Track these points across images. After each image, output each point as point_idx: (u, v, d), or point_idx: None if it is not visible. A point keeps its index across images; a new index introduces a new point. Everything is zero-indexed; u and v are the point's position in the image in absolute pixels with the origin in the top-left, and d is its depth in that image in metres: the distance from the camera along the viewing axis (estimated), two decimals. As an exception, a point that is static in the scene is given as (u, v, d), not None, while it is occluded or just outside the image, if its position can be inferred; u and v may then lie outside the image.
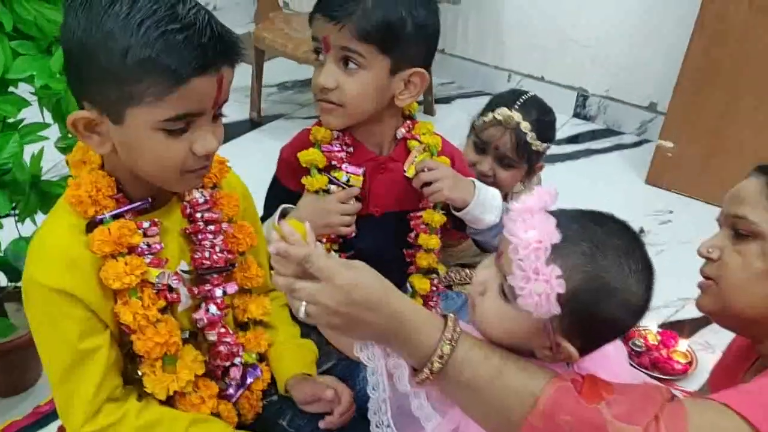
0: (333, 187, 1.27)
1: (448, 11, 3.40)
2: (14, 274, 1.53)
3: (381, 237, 1.34)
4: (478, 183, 1.33)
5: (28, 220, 1.56)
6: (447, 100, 3.45)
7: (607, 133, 3.27)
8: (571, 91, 3.36)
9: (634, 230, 0.86)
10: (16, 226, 1.56)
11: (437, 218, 1.33)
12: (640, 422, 0.74)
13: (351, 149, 1.29)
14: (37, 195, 1.54)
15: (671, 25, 2.94)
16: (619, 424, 0.74)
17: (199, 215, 1.06)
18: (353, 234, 1.30)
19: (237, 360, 1.12)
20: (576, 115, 3.35)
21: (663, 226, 2.62)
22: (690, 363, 1.95)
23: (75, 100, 0.97)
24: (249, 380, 1.15)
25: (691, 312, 2.19)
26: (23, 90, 1.43)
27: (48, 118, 1.52)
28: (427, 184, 1.29)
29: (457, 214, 1.32)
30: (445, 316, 0.86)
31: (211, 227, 1.08)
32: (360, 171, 1.28)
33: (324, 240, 1.28)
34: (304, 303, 0.83)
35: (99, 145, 0.94)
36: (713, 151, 2.69)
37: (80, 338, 0.96)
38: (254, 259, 1.17)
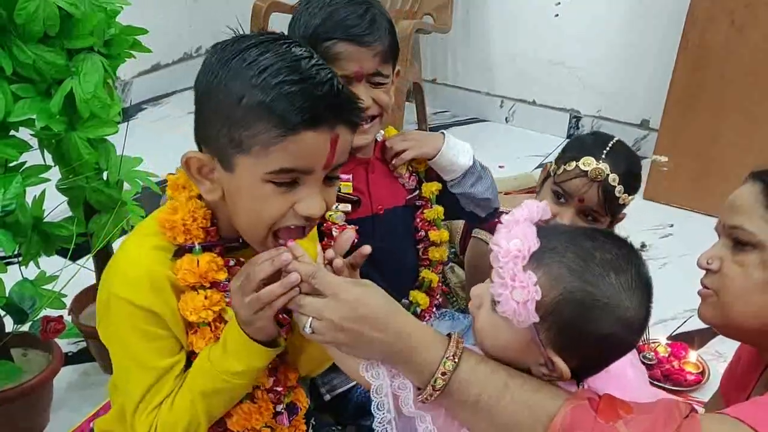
0: None
1: (438, 41, 3.45)
2: (20, 316, 1.52)
3: (390, 233, 1.38)
4: (446, 133, 1.41)
5: (31, 264, 1.56)
6: (442, 128, 3.48)
7: (602, 152, 3.29)
8: (564, 113, 3.39)
9: (631, 246, 0.85)
10: (20, 270, 1.56)
11: (439, 212, 1.42)
12: None
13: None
14: (39, 237, 1.55)
15: (657, 45, 2.99)
16: None
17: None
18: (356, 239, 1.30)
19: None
20: (570, 136, 3.38)
21: (664, 239, 2.62)
22: (702, 373, 1.94)
23: (196, 144, 0.96)
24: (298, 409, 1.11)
25: (699, 323, 2.17)
26: (23, 133, 1.45)
27: (49, 159, 1.53)
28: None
29: (433, 165, 1.39)
30: (449, 335, 0.85)
31: None
32: (348, 177, 1.30)
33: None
34: (310, 319, 0.83)
35: (209, 192, 0.93)
36: (708, 163, 2.71)
37: (164, 356, 0.96)
38: None
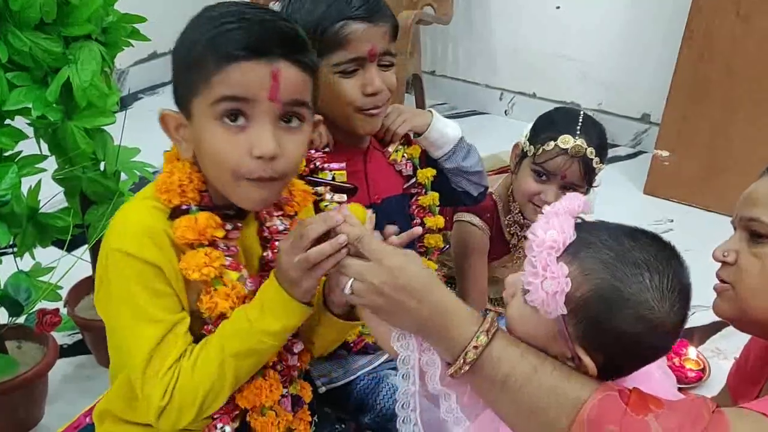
0: (319, 189, 1.26)
1: (438, 32, 3.43)
2: (15, 308, 1.50)
3: (388, 222, 1.35)
4: (431, 110, 1.42)
5: (27, 255, 1.54)
6: (440, 120, 3.46)
7: (602, 146, 3.28)
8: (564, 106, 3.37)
9: (672, 249, 0.84)
10: (15, 261, 1.54)
11: (434, 198, 1.41)
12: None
13: (327, 148, 1.28)
14: (35, 228, 1.52)
15: (660, 38, 2.97)
16: None
17: (277, 242, 1.02)
18: None
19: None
20: (570, 129, 3.36)
21: (664, 235, 2.58)
22: (703, 370, 1.93)
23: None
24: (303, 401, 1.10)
25: (700, 319, 2.16)
26: (19, 122, 1.43)
27: (45, 149, 1.51)
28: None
29: (423, 140, 1.38)
30: (485, 313, 0.86)
31: None
32: (342, 165, 1.28)
33: None
34: (351, 280, 0.86)
35: (185, 151, 0.96)
36: (710, 159, 2.70)
37: (171, 312, 0.94)
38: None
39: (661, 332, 0.80)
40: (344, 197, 1.27)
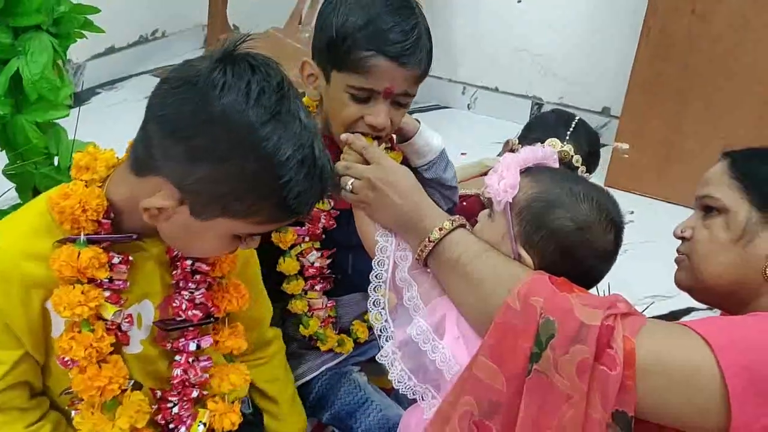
0: None
1: (400, 27, 3.41)
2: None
3: None
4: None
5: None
6: (404, 115, 3.45)
7: (564, 139, 3.32)
8: (526, 100, 3.40)
9: (613, 198, 0.99)
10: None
11: None
12: (602, 308, 0.84)
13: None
14: (-14, 225, 1.48)
15: (620, 33, 3.01)
16: (584, 308, 0.84)
17: (188, 261, 0.99)
18: (334, 225, 1.27)
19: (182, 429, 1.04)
20: (532, 123, 3.40)
21: (626, 226, 2.64)
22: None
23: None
24: None
25: (660, 309, 2.20)
26: (-33, 116, 1.38)
27: (-5, 144, 1.47)
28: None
29: (408, 147, 1.32)
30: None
31: (197, 276, 1.01)
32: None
33: (307, 238, 1.24)
34: (352, 179, 1.03)
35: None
36: (667, 152, 2.75)
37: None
38: (236, 324, 1.09)
39: (591, 242, 0.93)
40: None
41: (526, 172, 0.98)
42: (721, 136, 2.59)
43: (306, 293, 1.26)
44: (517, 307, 0.87)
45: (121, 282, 0.94)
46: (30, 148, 1.43)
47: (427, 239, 0.97)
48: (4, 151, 1.47)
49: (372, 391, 1.31)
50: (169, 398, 1.02)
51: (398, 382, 0.97)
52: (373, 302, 1.02)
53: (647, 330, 0.84)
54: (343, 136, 1.07)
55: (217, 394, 1.06)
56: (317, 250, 1.25)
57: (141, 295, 0.99)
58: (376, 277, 1.01)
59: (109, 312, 0.92)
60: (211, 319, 1.04)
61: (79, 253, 0.89)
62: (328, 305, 1.29)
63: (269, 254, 1.20)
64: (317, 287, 1.26)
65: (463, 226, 0.99)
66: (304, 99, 1.21)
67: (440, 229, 0.97)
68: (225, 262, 1.03)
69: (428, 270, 1.00)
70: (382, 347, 0.99)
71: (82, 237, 0.90)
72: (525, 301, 0.87)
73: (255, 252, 1.15)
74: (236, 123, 0.82)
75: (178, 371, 1.01)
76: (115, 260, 0.93)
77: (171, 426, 1.03)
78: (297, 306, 1.26)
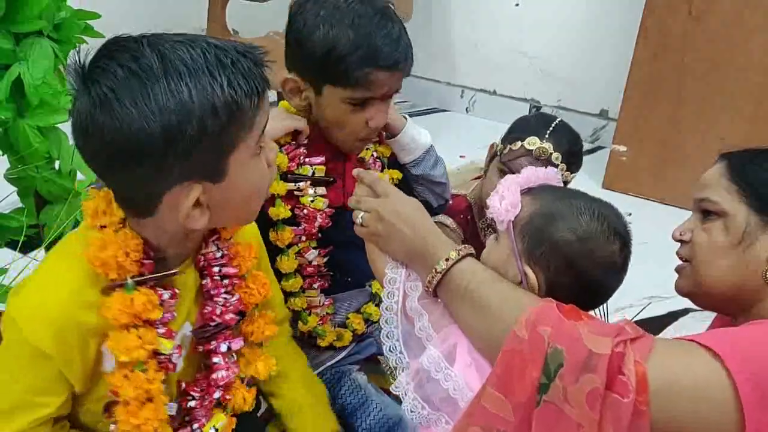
0: (301, 184, 1.26)
1: (398, 30, 3.42)
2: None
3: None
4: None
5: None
6: (402, 118, 3.47)
7: (562, 142, 3.33)
8: (524, 103, 3.41)
9: (617, 211, 1.00)
10: (-30, 262, 1.50)
11: None
12: (611, 335, 0.83)
13: (306, 141, 1.28)
14: (-13, 229, 1.49)
15: (617, 35, 3.03)
16: (593, 336, 0.83)
17: (216, 269, 1.01)
18: (329, 224, 1.28)
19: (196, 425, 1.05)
20: (530, 126, 3.41)
21: (623, 228, 2.66)
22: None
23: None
24: None
25: (657, 310, 2.22)
26: (-32, 121, 1.39)
27: (-4, 148, 1.48)
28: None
29: (394, 143, 1.38)
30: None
31: (226, 281, 1.02)
32: (322, 159, 1.28)
33: (303, 238, 1.26)
34: (362, 213, 1.05)
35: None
36: (664, 153, 2.76)
37: (36, 393, 0.90)
38: (265, 312, 1.11)
39: (594, 252, 0.93)
40: (324, 190, 1.28)
41: (527, 191, 0.99)
42: (720, 137, 2.61)
43: (304, 291, 1.28)
44: (525, 337, 0.86)
45: (170, 315, 0.94)
46: (31, 153, 1.44)
47: (434, 270, 0.97)
48: (5, 156, 1.48)
49: (372, 390, 1.33)
50: (191, 392, 1.03)
51: (411, 411, 0.97)
52: (386, 334, 1.02)
53: (657, 352, 0.83)
54: (354, 172, 1.09)
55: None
56: (315, 248, 1.27)
57: (182, 320, 1.00)
58: (386, 309, 1.02)
59: (167, 347, 0.93)
60: (242, 315, 1.06)
61: (132, 299, 0.88)
62: (326, 303, 1.31)
63: (267, 253, 1.22)
64: (315, 285, 1.29)
65: (470, 254, 0.99)
66: (289, 107, 1.24)
67: (447, 260, 0.97)
68: (247, 258, 1.05)
69: (438, 300, 1.00)
70: (397, 378, 1.00)
71: (129, 281, 0.89)
72: (532, 330, 0.86)
73: (263, 245, 1.18)
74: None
75: (222, 373, 1.02)
76: (165, 296, 0.93)
77: (186, 418, 1.04)
78: (296, 303, 1.28)
